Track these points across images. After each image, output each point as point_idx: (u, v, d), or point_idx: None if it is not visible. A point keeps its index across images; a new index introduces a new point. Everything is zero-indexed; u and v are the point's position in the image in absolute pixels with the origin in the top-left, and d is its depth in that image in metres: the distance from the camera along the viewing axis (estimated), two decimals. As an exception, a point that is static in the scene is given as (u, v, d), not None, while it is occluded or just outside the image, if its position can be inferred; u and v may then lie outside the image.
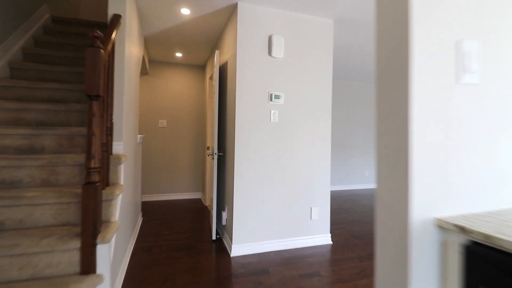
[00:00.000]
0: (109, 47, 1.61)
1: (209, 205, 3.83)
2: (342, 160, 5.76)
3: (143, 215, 3.56)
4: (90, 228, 1.32)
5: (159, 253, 2.46)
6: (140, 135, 3.15)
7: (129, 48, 2.16)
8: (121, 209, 1.89)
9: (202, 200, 4.45)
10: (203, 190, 4.50)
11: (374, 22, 2.84)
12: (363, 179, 5.96)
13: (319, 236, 2.77)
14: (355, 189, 5.78)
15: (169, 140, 4.52)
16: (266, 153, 2.56)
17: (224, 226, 2.78)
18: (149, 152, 4.39)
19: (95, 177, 1.35)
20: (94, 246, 1.33)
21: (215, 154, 2.82)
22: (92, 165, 1.34)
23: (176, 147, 4.56)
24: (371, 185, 6.03)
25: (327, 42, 2.77)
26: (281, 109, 2.61)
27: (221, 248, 2.60)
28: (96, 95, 1.34)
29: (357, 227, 3.30)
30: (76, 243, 1.32)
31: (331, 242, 2.80)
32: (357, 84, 5.89)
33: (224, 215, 2.70)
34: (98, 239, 1.35)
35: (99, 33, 1.38)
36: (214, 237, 2.78)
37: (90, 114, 1.35)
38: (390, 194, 0.83)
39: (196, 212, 3.78)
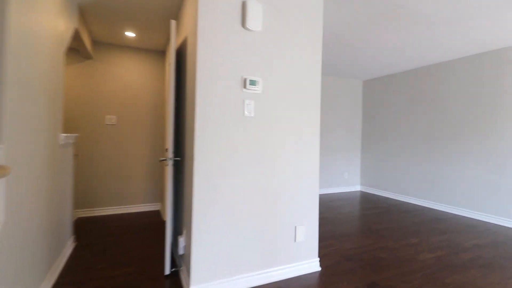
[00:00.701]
0: None
1: (168, 221, 3.08)
2: (319, 162, 5.29)
3: (77, 239, 2.73)
4: None
5: (84, 304, 1.71)
6: (69, 134, 2.34)
7: (20, 7, 1.39)
8: (4, 253, 1.14)
9: (161, 213, 3.68)
10: (162, 200, 3.73)
11: None
12: (342, 182, 5.55)
13: (306, 263, 2.18)
14: (335, 193, 5.35)
15: (119, 140, 3.68)
16: (237, 157, 1.91)
17: (181, 256, 2.09)
18: (91, 154, 3.52)
19: None
20: None
21: (170, 159, 2.11)
22: None
23: (128, 148, 3.73)
24: (351, 188, 5.64)
25: (315, 12, 2.19)
26: (258, 99, 1.98)
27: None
28: None
29: (348, 243, 2.78)
30: None
31: (319, 269, 2.23)
32: (336, 79, 5.45)
33: (182, 241, 2.01)
34: None
35: None
36: (167, 271, 2.07)
37: None
38: None
39: (150, 230, 3.02)
